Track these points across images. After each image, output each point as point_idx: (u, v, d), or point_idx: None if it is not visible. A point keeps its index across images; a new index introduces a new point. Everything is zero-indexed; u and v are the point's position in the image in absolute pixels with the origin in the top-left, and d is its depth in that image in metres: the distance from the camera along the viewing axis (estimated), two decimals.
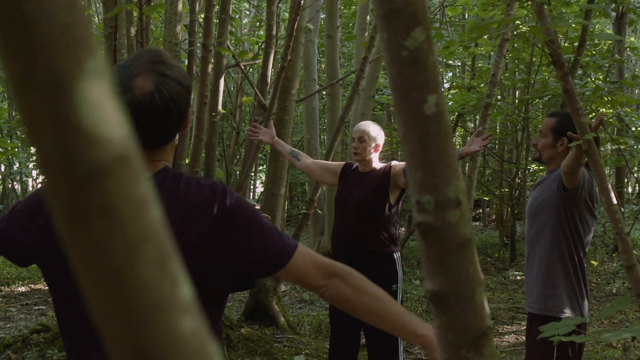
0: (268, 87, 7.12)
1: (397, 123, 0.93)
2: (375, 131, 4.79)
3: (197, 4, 6.89)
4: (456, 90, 12.00)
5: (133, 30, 6.90)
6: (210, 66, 6.32)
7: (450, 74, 20.70)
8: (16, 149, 10.64)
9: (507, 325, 7.63)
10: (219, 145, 15.38)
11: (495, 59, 7.00)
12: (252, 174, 13.35)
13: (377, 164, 4.79)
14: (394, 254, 4.68)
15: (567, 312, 3.57)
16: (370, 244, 4.62)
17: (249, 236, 1.69)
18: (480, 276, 0.94)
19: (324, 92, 11.26)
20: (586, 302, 3.70)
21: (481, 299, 0.93)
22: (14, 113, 18.96)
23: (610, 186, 2.50)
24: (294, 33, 6.13)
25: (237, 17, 13.95)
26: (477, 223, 19.20)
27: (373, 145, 4.75)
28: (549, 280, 3.62)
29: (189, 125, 1.79)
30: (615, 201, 2.50)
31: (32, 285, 10.80)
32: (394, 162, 4.71)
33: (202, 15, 6.49)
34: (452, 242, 0.92)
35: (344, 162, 4.98)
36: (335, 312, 4.82)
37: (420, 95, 0.91)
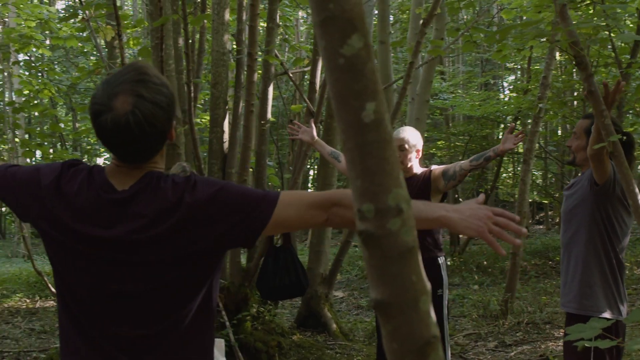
0: (317, 94, 7.13)
1: (339, 130, 0.93)
2: (414, 137, 4.75)
3: (244, 14, 6.95)
4: (514, 93, 11.82)
5: (181, 41, 7.02)
6: (257, 75, 6.36)
7: (512, 77, 20.43)
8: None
9: (563, 329, 7.45)
10: (274, 153, 15.51)
11: (546, 61, 6.88)
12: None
13: (418, 169, 4.76)
14: (439, 259, 4.64)
15: (605, 312, 3.49)
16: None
17: (227, 204, 1.76)
18: (424, 284, 0.92)
19: None
20: (625, 301, 3.61)
21: (426, 308, 0.92)
22: (77, 125, 19.45)
23: (637, 189, 2.42)
24: None
25: (293, 25, 14.03)
26: (541, 226, 18.89)
27: (413, 151, 4.71)
28: (584, 279, 3.55)
29: (175, 136, 1.84)
30: None
31: None
32: (433, 167, 4.67)
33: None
34: (394, 250, 0.91)
35: None
36: None
37: (358, 103, 0.90)
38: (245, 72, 6.65)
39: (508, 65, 16.31)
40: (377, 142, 0.90)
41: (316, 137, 5.02)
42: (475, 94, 12.46)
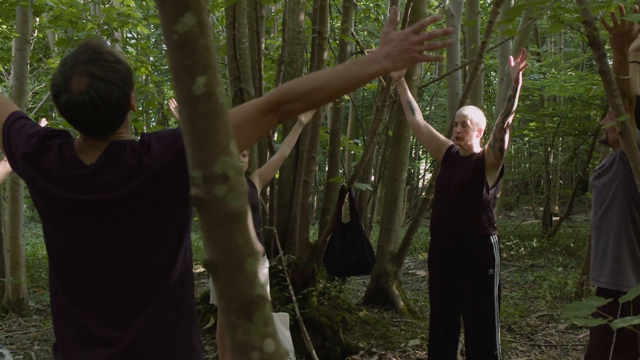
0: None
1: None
2: (477, 116, 4.73)
3: None
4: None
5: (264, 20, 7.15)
6: (327, 53, 6.41)
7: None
8: None
9: None
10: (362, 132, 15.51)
11: None
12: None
13: (477, 148, 4.74)
14: (491, 238, 4.62)
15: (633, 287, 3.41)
16: (470, 228, 4.60)
17: (180, 151, 1.86)
18: (252, 247, 0.98)
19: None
20: None
21: (252, 269, 0.98)
22: (151, 126, 19.96)
23: None
24: (408, 19, 6.11)
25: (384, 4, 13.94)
26: None
27: (475, 130, 4.70)
28: (615, 254, 3.48)
29: (136, 106, 1.94)
30: None
31: None
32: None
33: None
34: (220, 214, 0.97)
35: (451, 143, 4.91)
36: (435, 293, 4.84)
37: (190, 77, 0.97)
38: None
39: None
40: (206, 114, 0.96)
41: (403, 78, 5.03)
42: (570, 74, 12.08)
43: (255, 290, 0.98)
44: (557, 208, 17.11)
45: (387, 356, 5.91)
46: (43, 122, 3.34)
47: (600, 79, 3.28)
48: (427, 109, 19.17)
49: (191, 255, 2.03)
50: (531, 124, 14.67)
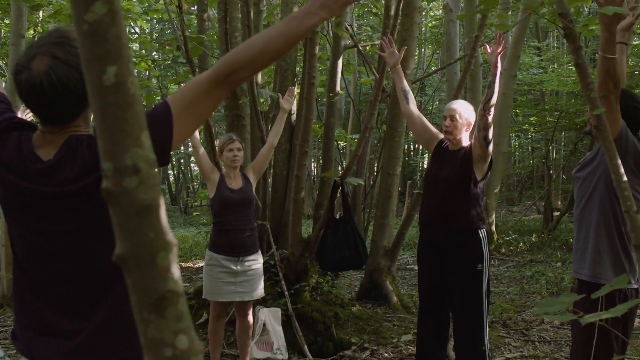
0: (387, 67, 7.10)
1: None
2: (466, 110, 4.72)
3: None
4: None
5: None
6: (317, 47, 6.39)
7: None
8: None
9: None
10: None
11: None
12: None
13: (466, 142, 4.72)
14: (480, 232, 4.59)
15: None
16: (457, 222, 4.57)
17: None
18: (164, 241, 0.96)
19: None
20: (636, 268, 3.46)
21: (165, 263, 0.96)
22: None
23: (619, 162, 2.34)
24: (399, 13, 6.07)
25: None
26: None
27: (464, 124, 4.68)
28: (595, 246, 3.44)
29: None
30: (625, 178, 2.34)
31: (182, 264, 11.37)
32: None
33: None
34: (130, 207, 0.95)
35: (442, 136, 4.88)
36: (424, 287, 4.82)
37: (100, 67, 0.94)
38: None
39: None
40: (116, 104, 0.94)
41: (399, 65, 5.01)
42: (571, 69, 12.03)
43: (168, 285, 0.96)
44: (559, 203, 17.06)
45: (379, 351, 5.90)
46: (21, 111, 3.30)
47: None
48: (430, 103, 19.13)
49: None
50: (531, 119, 14.63)
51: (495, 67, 4.33)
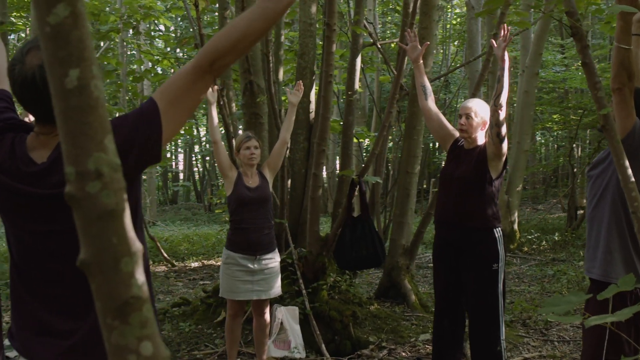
0: (405, 65, 7.06)
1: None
2: (482, 109, 4.68)
3: None
4: None
5: None
6: (334, 45, 6.36)
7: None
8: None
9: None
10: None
11: None
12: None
13: (482, 141, 4.68)
14: (495, 231, 4.55)
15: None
16: (472, 221, 4.53)
17: (125, 140, 1.83)
18: (128, 246, 0.95)
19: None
20: None
21: (128, 269, 0.95)
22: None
23: (627, 162, 2.30)
24: (417, 10, 6.03)
25: None
26: None
27: (480, 122, 4.64)
28: (607, 244, 3.38)
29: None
30: (632, 179, 2.30)
31: (204, 261, 11.41)
32: None
33: None
34: (93, 212, 0.94)
35: (458, 134, 4.84)
36: (439, 287, 4.79)
37: (62, 70, 0.93)
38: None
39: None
40: (79, 107, 0.93)
41: (421, 61, 4.97)
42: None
43: (132, 291, 0.94)
44: (584, 201, 16.88)
45: (397, 350, 5.88)
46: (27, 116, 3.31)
47: None
48: (455, 101, 19.03)
49: (146, 247, 2.02)
50: (554, 117, 14.49)
51: (503, 61, 4.31)
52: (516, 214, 11.28)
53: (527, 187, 24.01)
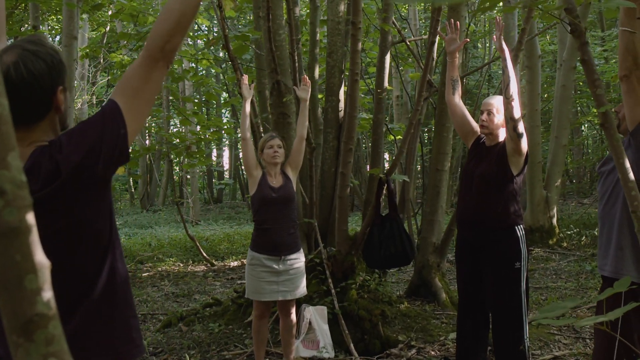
0: (434, 62, 7.00)
1: None
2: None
3: None
4: None
5: (297, 10, 7.12)
6: (361, 44, 6.33)
7: None
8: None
9: None
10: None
11: None
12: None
13: (503, 138, 4.62)
14: (517, 230, 4.48)
15: (635, 277, 3.24)
16: (493, 220, 4.48)
17: (88, 142, 1.88)
18: (32, 264, 0.95)
19: (526, 66, 10.75)
20: None
21: (33, 286, 0.95)
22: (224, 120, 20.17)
23: (627, 161, 2.24)
24: (442, 6, 5.97)
25: None
26: None
27: (501, 119, 4.59)
28: (618, 241, 3.32)
29: (64, 107, 1.95)
30: (632, 177, 2.24)
31: (243, 260, 11.45)
32: None
33: None
34: None
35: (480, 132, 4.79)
36: (461, 286, 4.75)
37: None
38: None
39: None
40: None
41: (457, 55, 4.94)
42: None
43: (36, 309, 0.94)
44: None
45: (426, 349, 5.83)
46: None
47: None
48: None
49: (121, 251, 2.04)
50: (593, 109, 14.20)
51: (502, 51, 4.27)
52: (555, 209, 11.09)
53: (574, 181, 23.62)
